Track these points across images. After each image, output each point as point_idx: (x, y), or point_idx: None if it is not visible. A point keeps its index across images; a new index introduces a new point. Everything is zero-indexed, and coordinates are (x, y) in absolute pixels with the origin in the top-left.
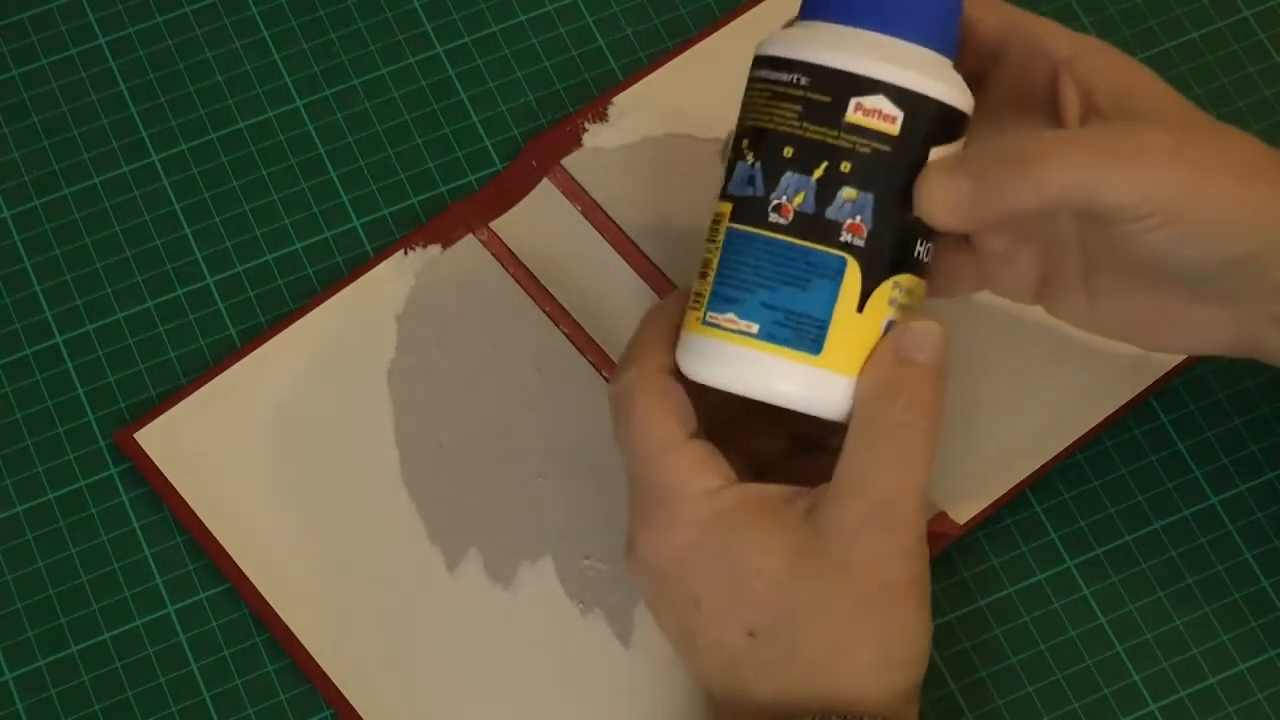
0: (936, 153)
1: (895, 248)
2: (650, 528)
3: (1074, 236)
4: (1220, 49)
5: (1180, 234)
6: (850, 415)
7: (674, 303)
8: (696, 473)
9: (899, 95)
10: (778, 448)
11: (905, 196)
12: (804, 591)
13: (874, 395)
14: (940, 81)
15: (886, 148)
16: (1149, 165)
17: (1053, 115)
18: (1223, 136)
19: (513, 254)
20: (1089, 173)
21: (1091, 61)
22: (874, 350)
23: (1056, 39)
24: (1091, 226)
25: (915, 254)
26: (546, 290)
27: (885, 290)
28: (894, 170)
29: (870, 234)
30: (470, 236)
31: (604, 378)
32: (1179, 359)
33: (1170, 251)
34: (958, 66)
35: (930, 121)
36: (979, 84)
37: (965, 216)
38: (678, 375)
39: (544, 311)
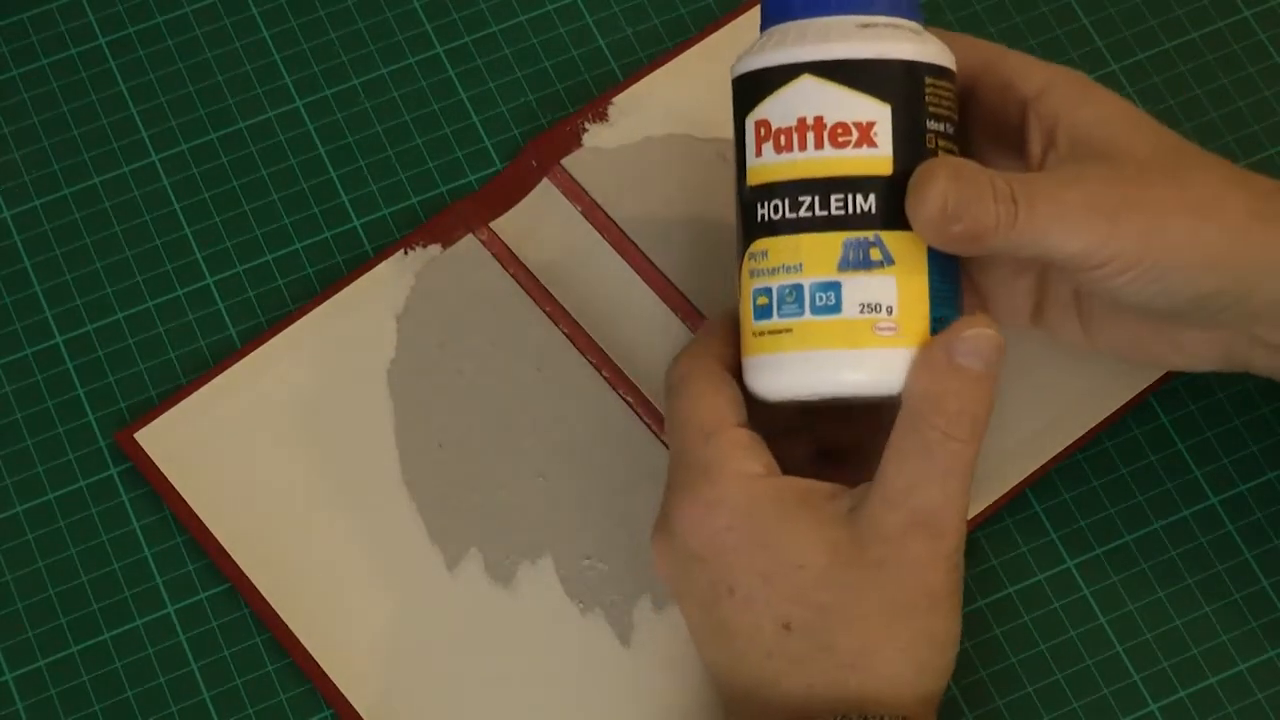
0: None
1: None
2: (690, 506)
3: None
4: (1220, 49)
5: (1139, 278)
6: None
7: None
8: (743, 457)
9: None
10: (806, 456)
11: None
12: (842, 588)
13: (924, 399)
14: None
15: None
16: (1097, 218)
17: (1023, 150)
18: (1183, 172)
19: (513, 254)
20: (1045, 228)
21: (1057, 98)
22: (929, 349)
23: (1026, 75)
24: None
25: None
26: (546, 290)
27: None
28: None
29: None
30: (470, 236)
31: (604, 377)
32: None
33: (1134, 294)
34: None
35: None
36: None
37: (943, 232)
38: (735, 372)
39: (544, 311)
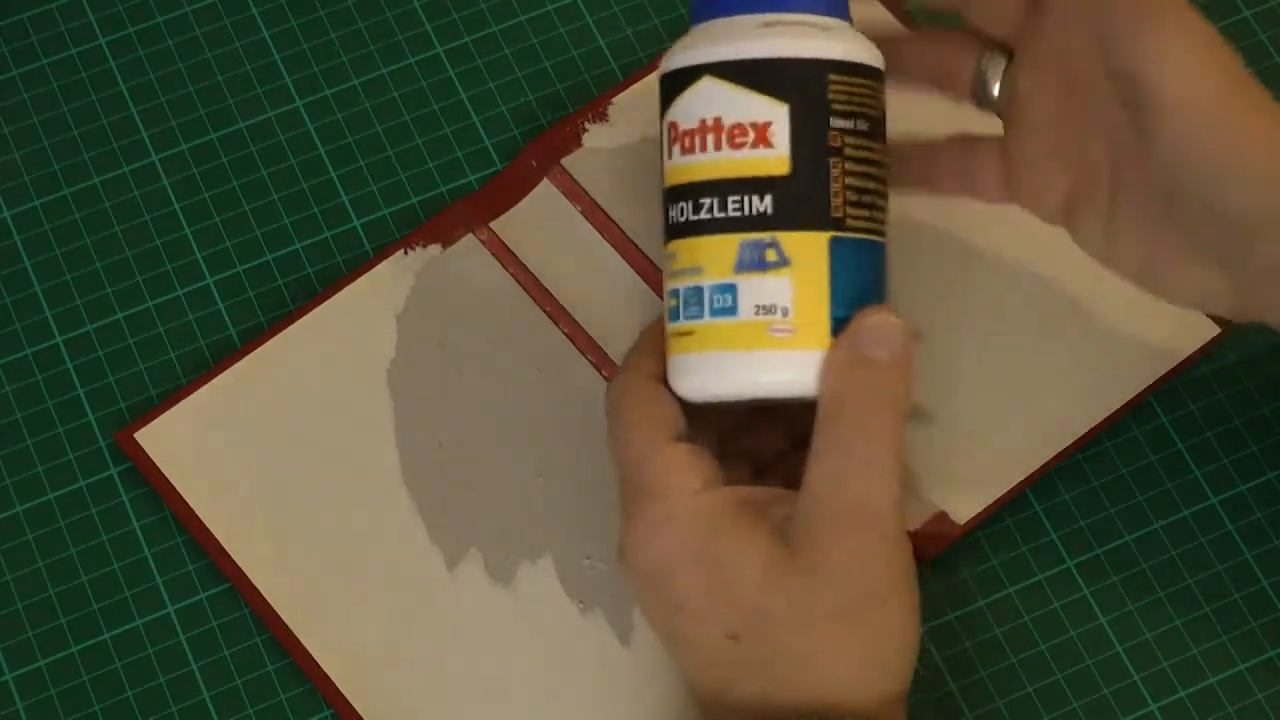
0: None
1: None
2: (635, 530)
3: (1107, 158)
4: None
5: (1218, 147)
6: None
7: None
8: (678, 475)
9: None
10: (778, 447)
11: None
12: (779, 595)
13: (834, 397)
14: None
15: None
16: (1209, 54)
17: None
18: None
19: (513, 254)
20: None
21: None
22: (833, 349)
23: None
24: (1128, 141)
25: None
26: (546, 290)
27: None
28: None
29: None
30: (470, 236)
31: (604, 377)
32: (1179, 359)
33: (1197, 161)
34: None
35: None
36: None
37: None
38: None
39: (544, 311)
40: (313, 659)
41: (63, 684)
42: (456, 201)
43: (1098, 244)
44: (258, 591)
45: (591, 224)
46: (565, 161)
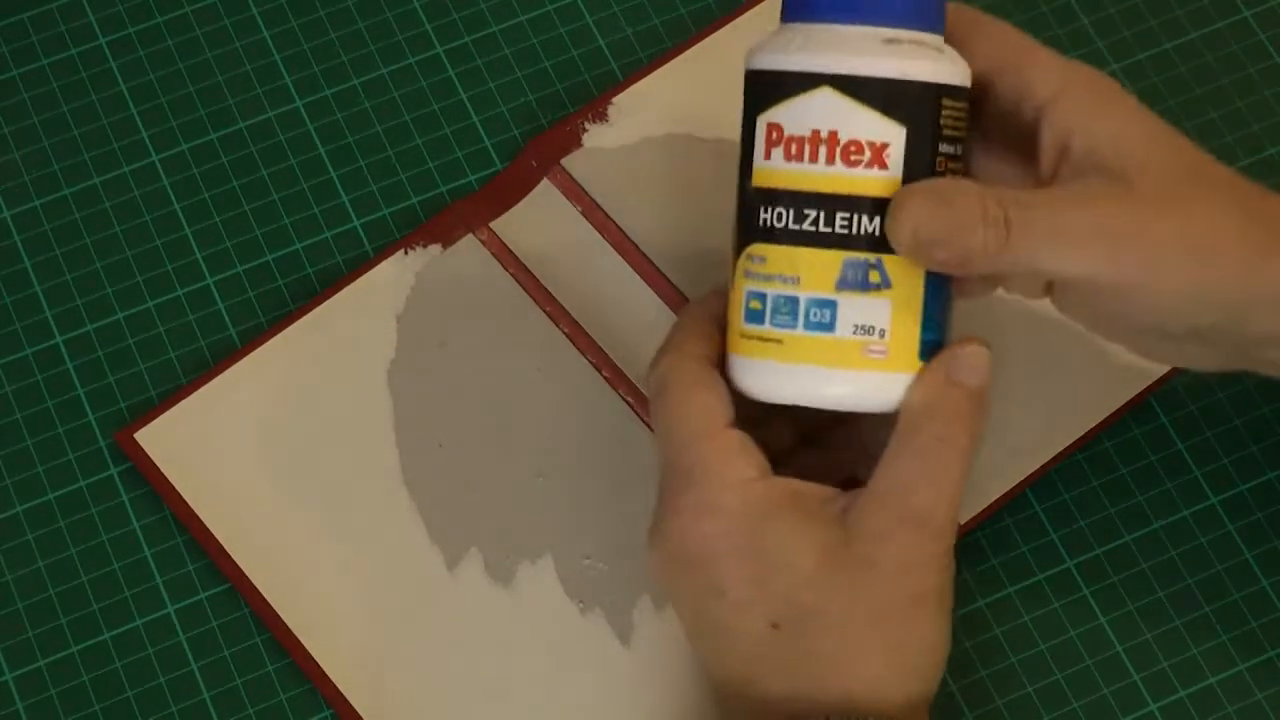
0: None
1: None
2: (681, 512)
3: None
4: (1220, 49)
5: (1133, 308)
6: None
7: (715, 297)
8: (733, 461)
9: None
10: (785, 443)
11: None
12: (829, 590)
13: (920, 411)
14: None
15: None
16: (1095, 245)
17: (1034, 157)
18: (1190, 202)
19: (513, 254)
20: (1041, 252)
21: (1071, 106)
22: (927, 369)
23: (1044, 76)
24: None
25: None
26: (546, 290)
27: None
28: None
29: None
30: (470, 236)
31: (604, 377)
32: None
33: (1129, 319)
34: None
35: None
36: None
37: (927, 257)
38: (717, 366)
39: (544, 311)
40: (313, 659)
41: (63, 684)
42: (456, 202)
43: (1083, 316)
44: (258, 591)
45: (591, 224)
46: (565, 161)
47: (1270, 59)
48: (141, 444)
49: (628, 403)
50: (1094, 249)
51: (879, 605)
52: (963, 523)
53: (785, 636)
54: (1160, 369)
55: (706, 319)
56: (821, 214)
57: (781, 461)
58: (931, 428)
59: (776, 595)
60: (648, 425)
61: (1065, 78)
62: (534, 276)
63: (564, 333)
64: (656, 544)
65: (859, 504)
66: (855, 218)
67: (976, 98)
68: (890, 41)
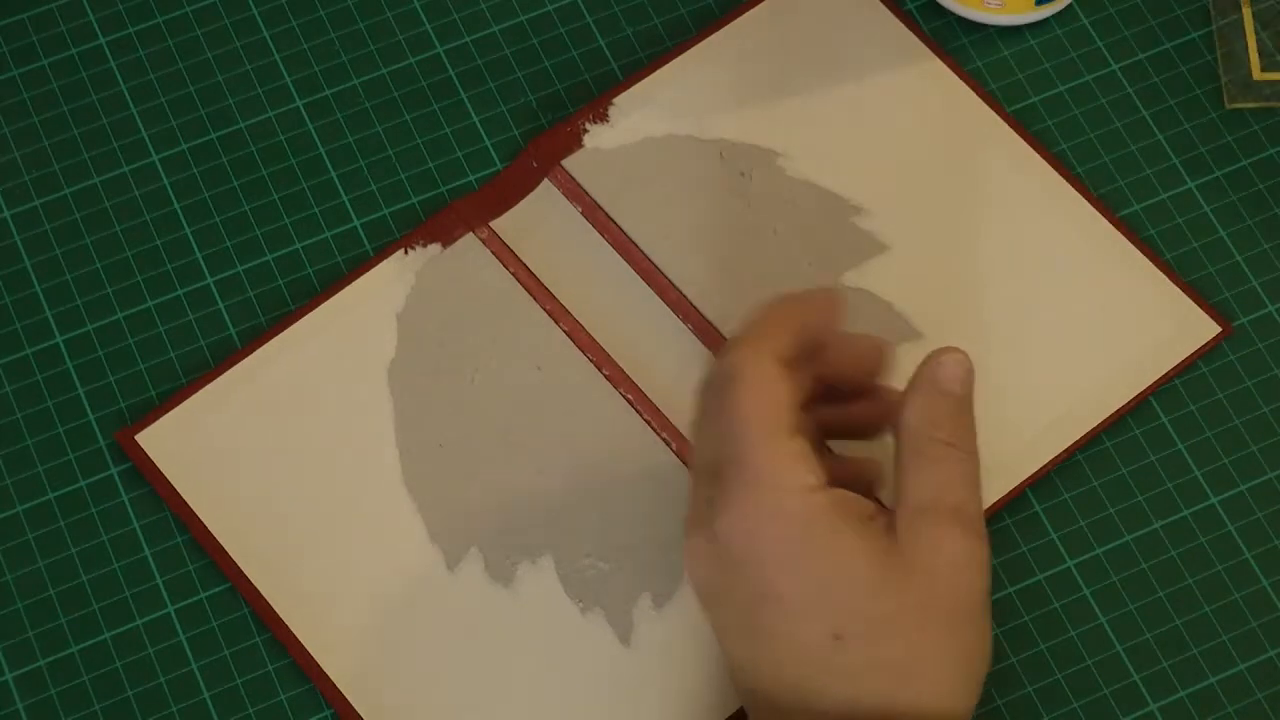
0: None
1: None
2: (737, 512)
3: None
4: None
5: None
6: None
7: (800, 297)
8: (798, 467)
9: None
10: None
11: None
12: (895, 599)
13: (923, 423)
14: None
15: None
16: None
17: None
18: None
19: (513, 253)
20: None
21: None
22: (914, 384)
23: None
24: None
25: None
26: (547, 289)
27: None
28: None
29: None
30: (470, 235)
31: (604, 376)
32: (1179, 359)
33: None
34: None
35: None
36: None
37: None
38: (790, 368)
39: (544, 310)
40: (313, 659)
41: (63, 684)
42: (456, 201)
43: None
44: (258, 591)
45: (591, 224)
46: (566, 162)
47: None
48: (142, 444)
49: (628, 400)
50: None
51: (941, 614)
52: None
53: (848, 647)
54: (1160, 369)
55: (789, 316)
56: None
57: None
58: (939, 435)
59: (839, 605)
60: (649, 424)
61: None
62: (534, 275)
63: (564, 331)
64: (702, 538)
65: (901, 516)
66: None
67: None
68: None
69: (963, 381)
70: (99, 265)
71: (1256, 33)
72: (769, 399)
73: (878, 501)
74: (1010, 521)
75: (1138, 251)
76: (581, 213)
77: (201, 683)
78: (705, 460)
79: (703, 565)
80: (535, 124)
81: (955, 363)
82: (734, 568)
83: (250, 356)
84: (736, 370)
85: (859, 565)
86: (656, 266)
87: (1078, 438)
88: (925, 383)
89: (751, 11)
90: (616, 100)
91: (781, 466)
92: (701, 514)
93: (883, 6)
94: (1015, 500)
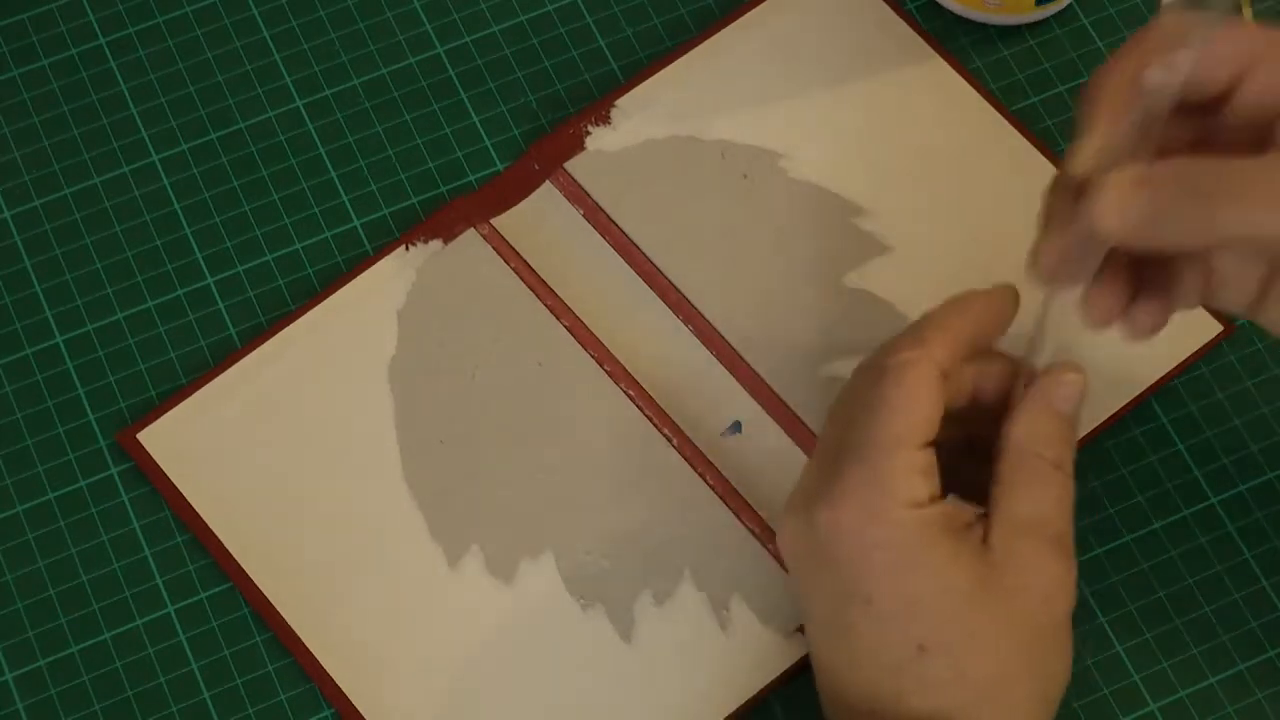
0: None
1: None
2: (844, 509)
3: None
4: None
5: None
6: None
7: (984, 302)
8: (916, 479)
9: None
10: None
11: None
12: (983, 615)
13: (1033, 440)
14: None
15: None
16: None
17: None
18: None
19: (514, 249)
20: (1250, 212)
21: None
22: (1030, 398)
23: None
24: None
25: None
26: (548, 285)
27: None
28: None
29: None
30: (472, 231)
31: (605, 372)
32: (1179, 359)
33: None
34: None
35: None
36: (1217, 111)
37: (1137, 238)
38: (949, 377)
39: (546, 306)
40: (313, 658)
41: (63, 684)
42: (458, 199)
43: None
44: (258, 591)
45: (593, 226)
46: (568, 164)
47: None
48: (144, 444)
49: (629, 397)
50: None
51: (1029, 632)
52: None
53: (933, 659)
54: (1160, 369)
55: (959, 325)
56: None
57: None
58: (1047, 454)
59: (927, 617)
60: (650, 420)
61: None
62: (535, 272)
63: (565, 327)
64: (802, 521)
65: (999, 532)
66: None
67: (1228, 95)
68: None
69: (1075, 403)
70: (99, 265)
71: None
72: (917, 409)
73: (980, 509)
74: None
75: None
76: (583, 215)
77: (201, 683)
78: (831, 442)
79: (798, 548)
80: (535, 124)
81: (1072, 383)
82: (827, 561)
83: (251, 355)
84: (898, 370)
85: (952, 579)
86: (658, 268)
87: (1078, 437)
88: (1039, 399)
89: (752, 12)
90: (619, 102)
91: (902, 475)
92: (809, 495)
93: (884, 6)
94: None
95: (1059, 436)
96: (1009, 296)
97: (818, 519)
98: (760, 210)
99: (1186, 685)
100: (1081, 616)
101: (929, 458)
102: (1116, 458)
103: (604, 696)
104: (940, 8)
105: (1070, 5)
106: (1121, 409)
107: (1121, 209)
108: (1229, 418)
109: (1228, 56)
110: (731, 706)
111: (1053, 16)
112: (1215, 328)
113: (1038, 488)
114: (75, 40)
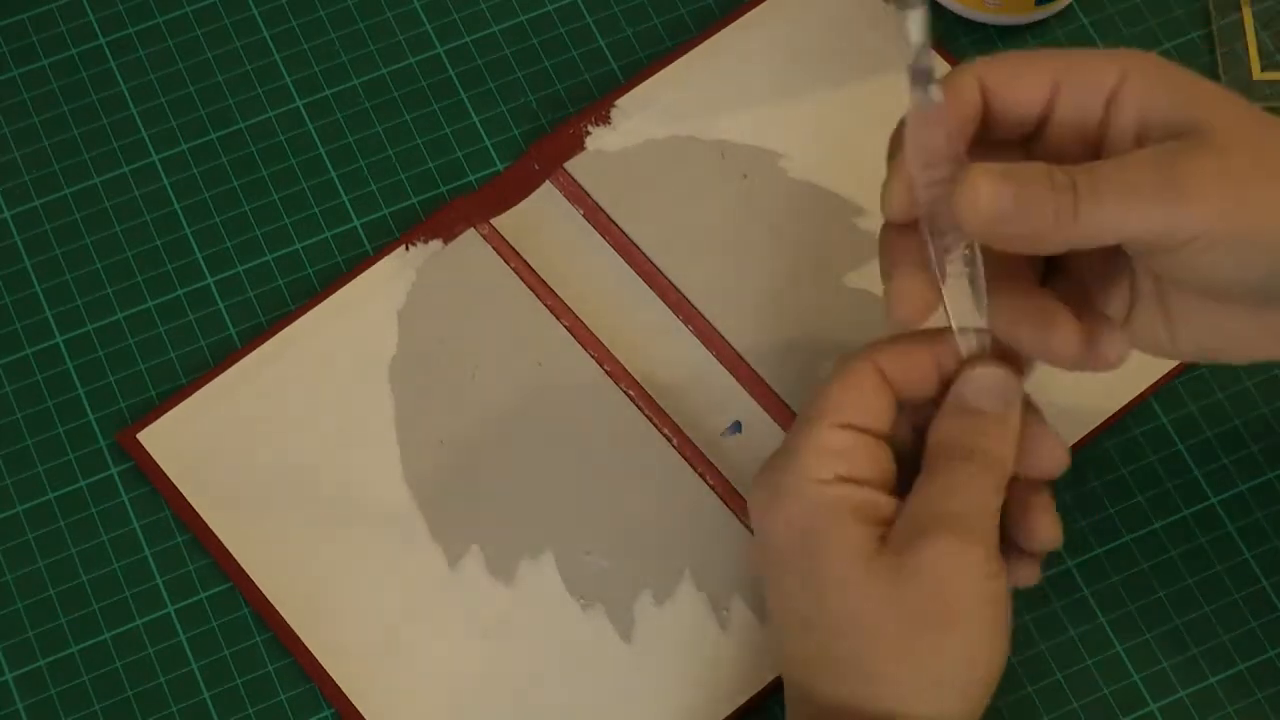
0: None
1: None
2: (762, 490)
3: (1142, 260)
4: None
5: (1221, 255)
6: None
7: (939, 345)
8: (819, 460)
9: None
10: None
11: None
12: (869, 600)
13: (940, 437)
14: None
15: None
16: (1168, 193)
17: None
18: (1264, 140)
19: (513, 249)
20: (1114, 211)
21: (1139, 84)
22: (947, 400)
23: (1102, 69)
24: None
25: None
26: (548, 285)
27: None
28: None
29: None
30: (472, 231)
31: (606, 372)
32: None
33: (1220, 274)
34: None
35: None
36: (1038, 139)
37: (1000, 230)
38: (890, 385)
39: (545, 306)
40: (313, 658)
41: (63, 684)
42: (458, 198)
43: (1160, 343)
44: (258, 591)
45: (593, 226)
46: (568, 164)
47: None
48: (144, 443)
49: (629, 397)
50: (1166, 198)
51: (916, 617)
52: None
53: (830, 645)
54: (1161, 369)
55: (913, 344)
56: None
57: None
58: (956, 448)
59: (810, 594)
60: (650, 420)
61: (1123, 65)
62: (535, 272)
63: (565, 327)
64: (752, 513)
65: (901, 522)
66: None
67: (1044, 122)
68: None
69: (993, 396)
70: (99, 265)
71: (1256, 33)
72: (839, 391)
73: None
74: None
75: None
76: (583, 215)
77: (201, 683)
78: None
79: (754, 538)
80: (535, 124)
81: (983, 378)
82: (758, 543)
83: (251, 354)
84: (838, 364)
85: (842, 564)
86: (658, 268)
87: (1078, 438)
88: (951, 399)
89: (752, 12)
90: (619, 102)
91: (807, 456)
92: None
93: (884, 6)
94: None
95: (971, 429)
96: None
97: (752, 504)
98: (760, 210)
99: (1186, 685)
100: (1082, 616)
101: (847, 439)
102: (1116, 458)
103: (604, 696)
104: (940, 8)
105: (1070, 5)
106: (1121, 409)
107: (987, 199)
108: (1229, 418)
109: (1032, 86)
110: (731, 706)
111: (1053, 16)
112: None
113: (940, 478)
114: (75, 40)
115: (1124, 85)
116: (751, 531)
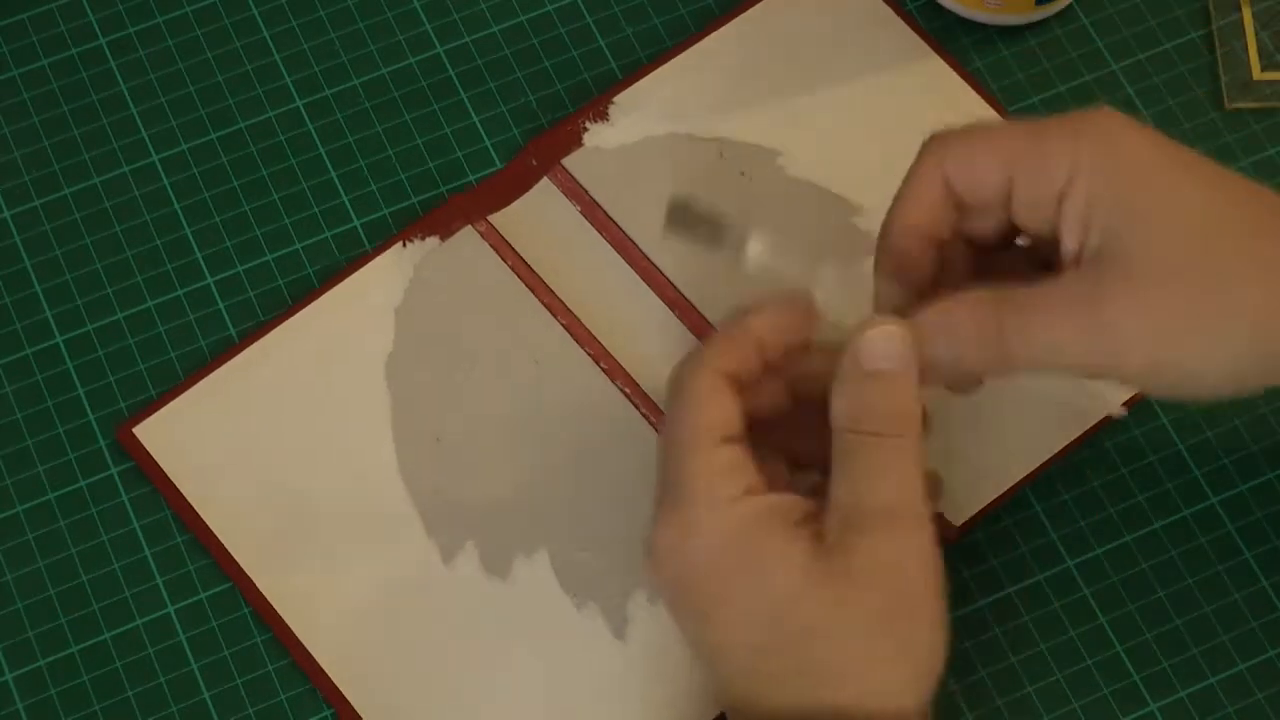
0: None
1: None
2: (664, 533)
3: None
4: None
5: (1153, 388)
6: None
7: (756, 315)
8: (719, 480)
9: None
10: (823, 448)
11: None
12: (818, 606)
13: (846, 415)
14: None
15: None
16: (1112, 354)
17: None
18: (1207, 273)
19: (511, 246)
20: (1051, 358)
21: (1084, 184)
22: (842, 366)
23: (1053, 164)
24: None
25: None
26: (544, 282)
27: None
28: None
29: None
30: (469, 228)
31: (602, 369)
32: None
33: (1161, 391)
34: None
35: None
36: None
37: (948, 378)
38: (734, 382)
39: (542, 304)
40: (313, 658)
41: (63, 684)
42: (455, 196)
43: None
44: (258, 591)
45: (590, 222)
46: (565, 161)
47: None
48: (140, 438)
49: (625, 394)
50: (1096, 342)
51: (867, 612)
52: (961, 523)
53: (774, 654)
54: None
55: (737, 335)
56: None
57: (811, 467)
58: (866, 426)
59: (763, 615)
60: (645, 418)
61: (1074, 160)
62: (532, 269)
63: (562, 325)
64: (651, 563)
65: (830, 518)
66: None
67: (1000, 209)
68: None
69: (892, 356)
70: (99, 265)
71: (1256, 33)
72: (694, 412)
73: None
74: (1010, 521)
75: None
76: (580, 211)
77: (201, 683)
78: (658, 477)
79: (657, 587)
80: (535, 124)
81: (881, 337)
82: (673, 587)
83: (248, 350)
84: (677, 386)
85: (779, 576)
86: (654, 265)
87: (1079, 437)
88: (848, 368)
89: (751, 11)
90: (617, 99)
91: (700, 480)
92: (650, 534)
93: (884, 6)
94: (1015, 500)
95: (877, 402)
96: (799, 304)
97: (655, 550)
98: (758, 208)
99: (1186, 685)
100: (1082, 616)
101: (731, 454)
102: (1116, 458)
103: (598, 693)
104: (940, 8)
105: (1070, 5)
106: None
107: (931, 352)
108: (1229, 418)
109: (987, 170)
110: (722, 705)
111: (1053, 16)
112: None
113: (859, 463)
114: (75, 40)
115: (1072, 185)
116: None
